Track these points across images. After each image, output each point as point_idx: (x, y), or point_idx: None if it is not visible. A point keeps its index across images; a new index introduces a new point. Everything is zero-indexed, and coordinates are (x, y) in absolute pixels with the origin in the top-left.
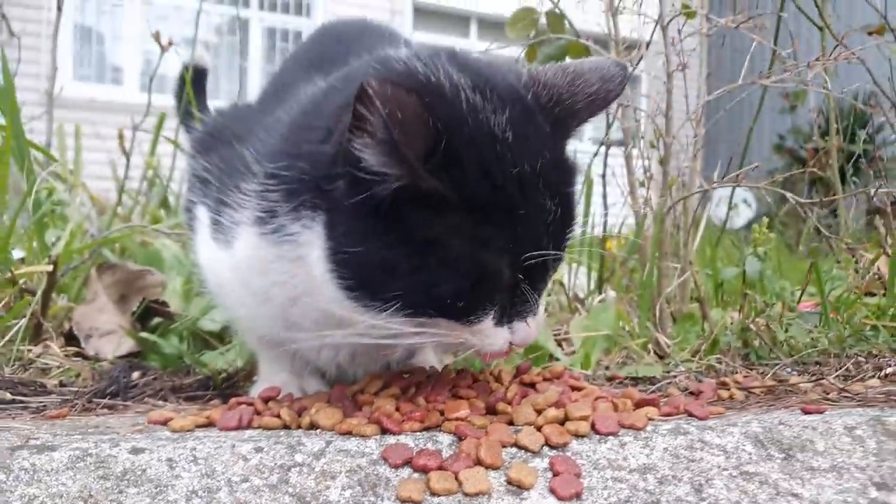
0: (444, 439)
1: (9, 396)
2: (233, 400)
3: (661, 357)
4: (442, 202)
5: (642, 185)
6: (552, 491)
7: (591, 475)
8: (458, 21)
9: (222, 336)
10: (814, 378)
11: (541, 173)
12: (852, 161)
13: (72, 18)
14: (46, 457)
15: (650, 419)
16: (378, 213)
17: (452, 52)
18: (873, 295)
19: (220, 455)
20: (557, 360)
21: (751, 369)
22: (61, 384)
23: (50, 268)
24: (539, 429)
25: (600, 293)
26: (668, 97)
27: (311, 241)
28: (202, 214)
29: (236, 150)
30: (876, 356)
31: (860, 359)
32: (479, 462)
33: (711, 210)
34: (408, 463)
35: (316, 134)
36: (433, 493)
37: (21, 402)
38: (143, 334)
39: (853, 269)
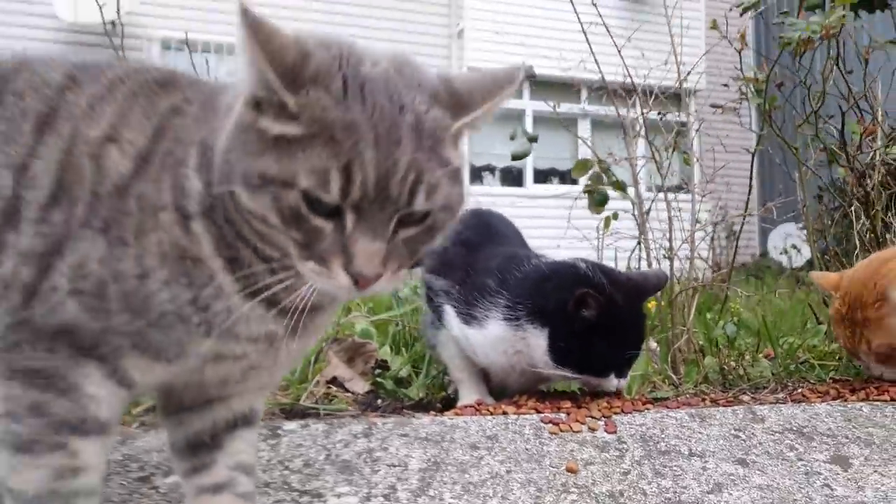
0: (562, 415)
1: (350, 410)
2: (460, 405)
3: (675, 386)
4: (606, 328)
5: None
6: (605, 429)
7: (620, 425)
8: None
9: (409, 379)
10: (746, 394)
11: (638, 319)
12: None
13: None
14: (448, 421)
15: (647, 409)
16: (580, 331)
17: (595, 263)
18: None
19: (479, 420)
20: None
21: (724, 392)
22: (352, 404)
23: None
24: (600, 410)
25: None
26: (669, 224)
27: (536, 335)
28: (449, 310)
29: (472, 276)
30: (801, 384)
31: (790, 385)
32: (576, 420)
33: (771, 253)
34: (550, 422)
35: (547, 296)
36: (561, 431)
37: (334, 414)
38: (379, 379)
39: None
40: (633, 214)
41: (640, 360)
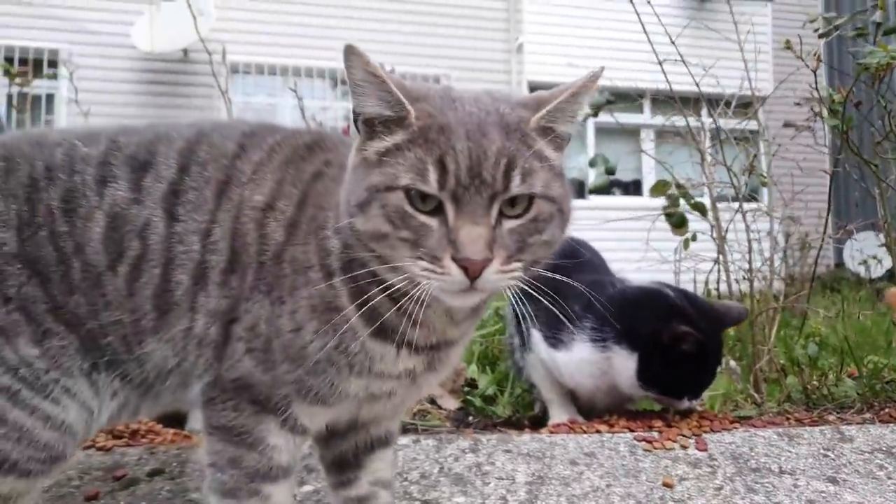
0: (654, 433)
1: (446, 426)
2: (552, 423)
3: (758, 405)
4: (695, 357)
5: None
6: (696, 447)
7: (710, 443)
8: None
9: (495, 397)
10: (831, 413)
11: (719, 347)
12: None
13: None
14: (546, 438)
15: (735, 427)
16: (671, 360)
17: (679, 289)
18: None
19: (574, 438)
20: (696, 409)
21: (808, 412)
22: (445, 420)
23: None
24: (690, 428)
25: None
26: (749, 247)
27: (623, 357)
28: (536, 334)
29: (556, 303)
30: (887, 404)
31: (876, 405)
32: (668, 439)
33: (848, 263)
34: (644, 440)
35: (639, 322)
36: (654, 448)
37: (431, 429)
38: (468, 397)
39: None
40: (712, 236)
41: (722, 379)
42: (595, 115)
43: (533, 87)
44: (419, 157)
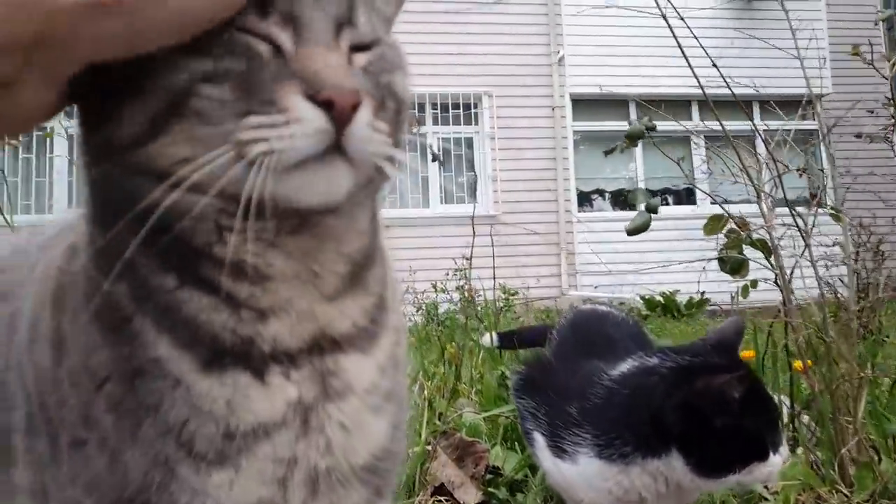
0: None
1: None
2: None
3: (846, 497)
4: (745, 395)
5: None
6: None
7: None
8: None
9: (525, 482)
10: None
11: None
12: None
13: None
14: None
15: None
16: (721, 422)
17: (664, 349)
18: None
19: None
20: (766, 499)
21: None
22: None
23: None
24: None
25: (793, 428)
26: (823, 315)
27: (664, 466)
28: (539, 438)
29: (556, 400)
30: None
31: None
32: None
33: None
34: None
35: (656, 417)
36: None
37: None
38: (490, 489)
39: None
40: (776, 282)
41: (797, 465)
42: (634, 144)
43: (576, 100)
44: None
